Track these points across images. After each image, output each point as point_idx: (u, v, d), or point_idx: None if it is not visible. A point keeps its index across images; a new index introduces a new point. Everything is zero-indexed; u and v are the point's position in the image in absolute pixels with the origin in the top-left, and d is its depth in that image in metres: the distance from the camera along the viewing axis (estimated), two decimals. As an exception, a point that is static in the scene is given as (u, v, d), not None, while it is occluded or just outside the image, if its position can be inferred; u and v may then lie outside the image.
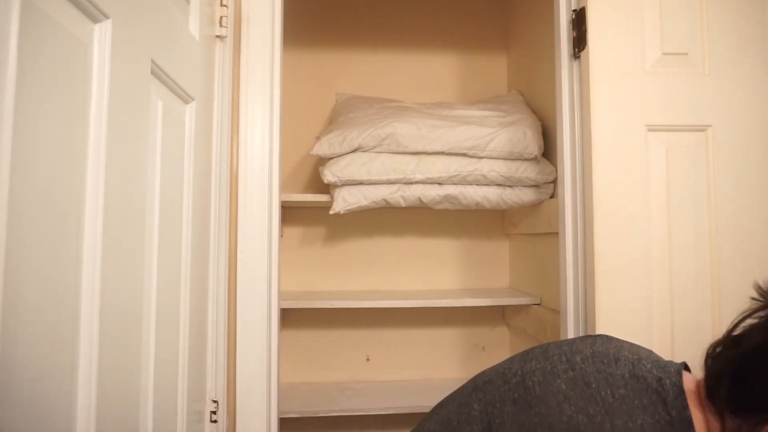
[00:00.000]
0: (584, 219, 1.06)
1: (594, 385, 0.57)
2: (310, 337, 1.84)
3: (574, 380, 0.58)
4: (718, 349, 0.62)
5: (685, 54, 1.05)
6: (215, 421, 1.04)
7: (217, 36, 1.10)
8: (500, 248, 1.93)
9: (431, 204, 1.54)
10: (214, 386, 1.06)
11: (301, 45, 1.87)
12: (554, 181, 1.51)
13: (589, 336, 0.71)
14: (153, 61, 0.73)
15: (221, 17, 1.10)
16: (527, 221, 1.67)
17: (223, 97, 1.10)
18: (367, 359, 1.85)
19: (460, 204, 1.54)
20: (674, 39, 1.05)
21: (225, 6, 1.11)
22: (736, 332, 0.62)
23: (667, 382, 0.58)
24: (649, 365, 0.61)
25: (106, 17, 0.58)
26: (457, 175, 1.48)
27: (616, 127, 1.03)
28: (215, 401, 1.05)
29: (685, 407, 0.55)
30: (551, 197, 1.52)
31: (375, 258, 1.87)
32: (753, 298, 0.62)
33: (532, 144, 1.48)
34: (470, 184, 1.51)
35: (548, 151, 1.54)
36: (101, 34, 0.58)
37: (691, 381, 0.61)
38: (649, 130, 1.03)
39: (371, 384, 1.80)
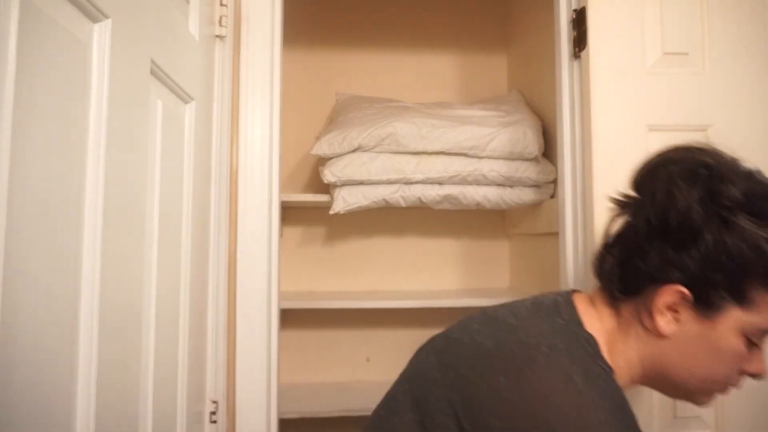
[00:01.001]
0: (584, 219, 1.06)
1: (501, 318, 0.68)
2: (310, 337, 1.83)
3: (486, 320, 0.69)
4: (601, 254, 0.73)
5: (686, 54, 1.05)
6: (215, 422, 1.04)
7: (217, 36, 1.09)
8: (500, 248, 1.93)
9: (431, 204, 1.54)
10: (214, 386, 1.06)
11: (301, 45, 1.87)
12: (554, 181, 1.51)
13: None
14: (153, 61, 0.73)
15: (221, 17, 1.10)
16: (527, 221, 1.67)
17: (223, 97, 1.10)
18: (367, 359, 1.85)
19: (460, 204, 1.54)
20: (675, 39, 1.05)
21: (225, 6, 1.11)
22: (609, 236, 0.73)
23: (560, 299, 0.69)
24: (551, 294, 0.72)
25: (106, 17, 0.58)
26: (457, 175, 1.48)
27: (616, 127, 1.02)
28: (215, 401, 1.05)
29: (575, 313, 0.66)
30: (551, 197, 1.52)
31: (375, 258, 1.87)
32: (612, 199, 0.75)
33: (532, 144, 1.47)
34: (470, 184, 1.51)
35: (548, 151, 1.54)
36: (101, 34, 0.58)
37: (582, 297, 0.72)
38: (650, 130, 1.03)
39: (371, 384, 1.79)
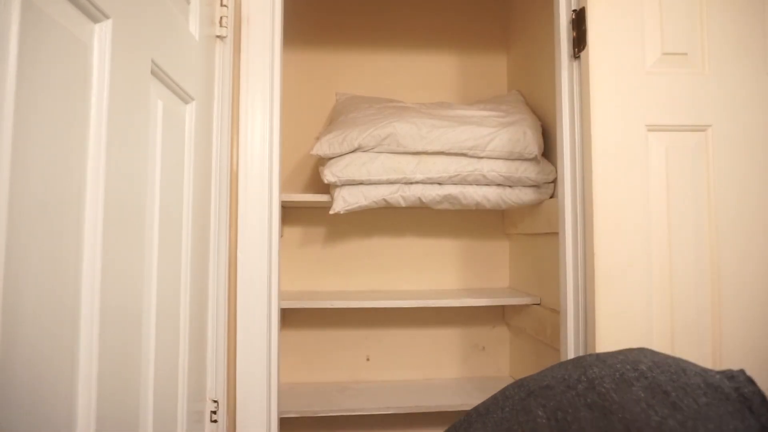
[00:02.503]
0: (584, 219, 1.06)
1: (673, 394, 0.54)
2: (310, 337, 1.84)
3: (651, 388, 0.55)
4: None
5: (685, 54, 1.05)
6: (215, 421, 1.04)
7: (217, 36, 1.10)
8: (500, 248, 1.93)
9: (431, 204, 1.54)
10: (214, 386, 1.06)
11: (301, 45, 1.87)
12: (554, 181, 1.51)
13: (626, 349, 0.67)
14: (153, 61, 0.73)
15: (221, 17, 1.10)
16: (527, 221, 1.67)
17: (223, 97, 1.10)
18: (367, 359, 1.85)
19: (460, 204, 1.54)
20: (674, 39, 1.05)
21: (225, 6, 1.11)
22: None
23: (746, 390, 0.55)
24: (717, 375, 0.58)
25: (106, 17, 0.58)
26: (457, 175, 1.48)
27: (616, 127, 1.03)
28: (215, 401, 1.05)
29: None
30: (551, 197, 1.52)
31: (375, 258, 1.87)
32: None
33: (532, 144, 1.48)
34: (470, 184, 1.51)
35: (548, 151, 1.54)
36: (101, 34, 0.58)
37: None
38: (649, 130, 1.03)
39: (371, 384, 1.79)
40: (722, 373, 0.58)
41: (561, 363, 0.64)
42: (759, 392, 0.55)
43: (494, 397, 0.65)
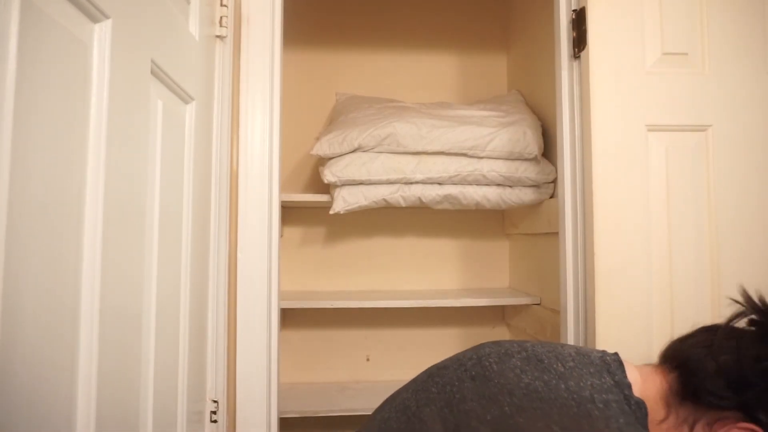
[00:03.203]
0: (584, 219, 1.06)
1: (546, 361, 0.65)
2: (310, 337, 1.84)
3: (528, 358, 0.65)
4: (700, 343, 0.69)
5: (685, 54, 1.05)
6: (215, 421, 1.04)
7: (217, 36, 1.10)
8: (500, 248, 1.93)
9: (431, 204, 1.54)
10: (214, 386, 1.06)
11: (301, 45, 1.87)
12: (554, 181, 1.51)
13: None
14: (153, 61, 0.73)
15: (221, 17, 1.10)
16: (527, 221, 1.67)
17: (223, 97, 1.10)
18: (367, 359, 1.85)
19: (460, 204, 1.54)
20: (674, 39, 1.05)
21: (225, 6, 1.11)
22: (731, 327, 0.68)
23: (608, 357, 0.67)
24: (595, 350, 0.70)
25: (106, 17, 0.58)
26: (457, 175, 1.48)
27: (616, 127, 1.03)
28: (215, 401, 1.05)
29: (625, 375, 0.64)
30: (551, 197, 1.52)
31: (375, 258, 1.87)
32: (735, 301, 0.69)
33: (532, 144, 1.48)
34: (470, 184, 1.51)
35: (548, 151, 1.54)
36: (101, 34, 0.58)
37: (630, 364, 0.69)
38: (650, 130, 1.03)
39: (371, 384, 1.79)
40: (599, 350, 0.71)
41: (464, 350, 0.73)
42: (618, 359, 0.67)
43: (404, 385, 0.72)
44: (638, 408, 0.60)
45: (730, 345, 0.65)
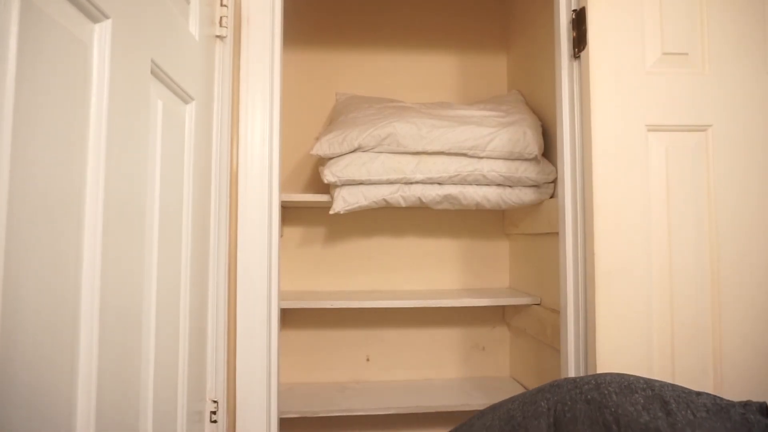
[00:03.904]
0: (584, 219, 1.06)
1: (673, 404, 0.59)
2: (310, 337, 1.84)
3: (653, 398, 0.60)
4: None
5: (685, 54, 1.05)
6: (215, 421, 1.04)
7: (217, 36, 1.09)
8: (500, 248, 1.93)
9: (431, 204, 1.54)
10: (214, 386, 1.06)
11: (301, 45, 1.87)
12: (554, 181, 1.51)
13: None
14: (153, 61, 0.73)
15: (221, 17, 1.10)
16: (527, 221, 1.67)
17: (223, 97, 1.10)
18: (367, 359, 1.85)
19: (460, 204, 1.54)
20: (674, 39, 1.05)
21: (225, 6, 1.11)
22: None
23: (752, 418, 0.58)
24: (733, 402, 0.61)
25: (106, 17, 0.58)
26: (457, 175, 1.48)
27: (616, 127, 1.03)
28: (215, 401, 1.05)
29: None
30: (551, 197, 1.52)
31: (375, 258, 1.87)
32: None
33: (532, 144, 1.48)
34: (470, 184, 1.51)
35: (548, 151, 1.54)
36: (101, 34, 0.58)
37: None
38: (649, 130, 1.03)
39: (371, 384, 1.79)
40: (743, 402, 0.62)
41: (582, 375, 0.69)
42: (763, 421, 0.57)
43: (511, 397, 0.70)
44: None
45: None
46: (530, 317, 1.63)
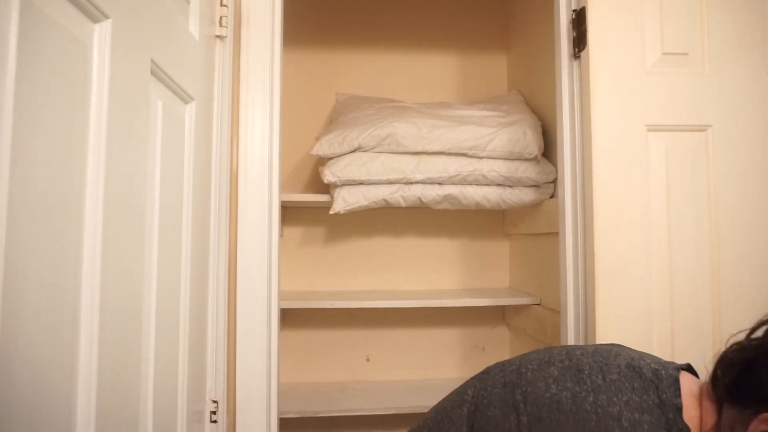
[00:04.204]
0: (584, 219, 1.06)
1: (586, 372, 0.61)
2: (310, 337, 1.84)
3: (568, 368, 0.62)
4: (734, 346, 0.63)
5: (686, 54, 1.05)
6: (215, 421, 1.04)
7: (217, 36, 1.09)
8: (500, 248, 1.93)
9: (431, 204, 1.54)
10: (214, 386, 1.06)
11: (302, 45, 1.87)
12: (554, 181, 1.51)
13: (607, 343, 0.74)
14: (153, 61, 0.73)
15: (221, 17, 1.10)
16: (527, 221, 1.67)
17: (223, 97, 1.10)
18: (367, 359, 1.85)
19: (460, 204, 1.54)
20: (674, 39, 1.05)
21: (225, 6, 1.11)
22: (755, 335, 0.62)
23: (663, 372, 0.60)
24: (649, 361, 0.63)
25: (106, 17, 0.58)
26: (457, 175, 1.48)
27: (616, 127, 1.03)
28: (215, 401, 1.05)
29: (677, 395, 0.57)
30: (551, 197, 1.52)
31: (375, 258, 1.87)
32: None
33: (532, 144, 1.48)
34: (470, 184, 1.51)
35: (548, 151, 1.54)
36: (101, 34, 0.58)
37: (690, 379, 0.63)
38: (649, 130, 1.03)
39: (371, 384, 1.79)
40: (662, 361, 0.64)
41: (519, 355, 0.71)
42: (673, 376, 0.60)
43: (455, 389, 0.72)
44: None
45: None
46: (530, 317, 1.63)
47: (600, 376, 0.60)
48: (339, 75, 1.92)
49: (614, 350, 0.66)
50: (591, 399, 0.57)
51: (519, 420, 0.58)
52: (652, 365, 0.62)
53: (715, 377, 0.61)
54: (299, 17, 1.81)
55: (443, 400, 0.71)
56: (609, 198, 1.02)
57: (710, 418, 0.59)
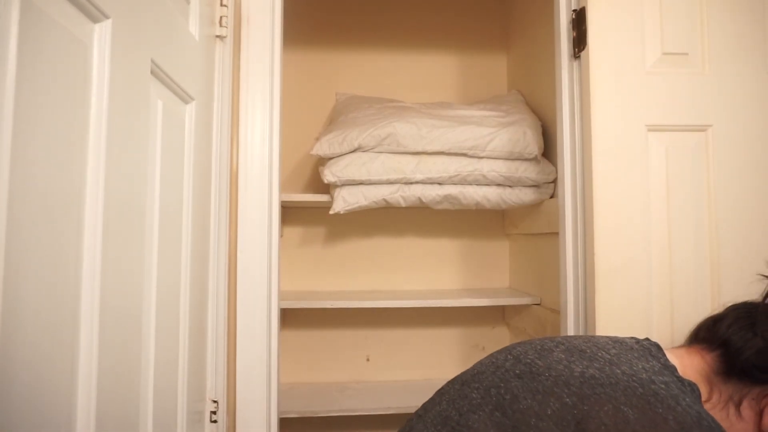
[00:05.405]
0: (584, 219, 1.06)
1: (588, 351, 0.63)
2: (310, 337, 1.84)
3: (569, 350, 0.63)
4: (744, 326, 0.71)
5: (686, 54, 1.05)
6: (215, 421, 1.04)
7: (217, 36, 1.09)
8: (500, 248, 1.93)
9: (431, 204, 1.54)
10: (214, 386, 1.06)
11: (302, 45, 1.87)
12: (554, 181, 1.51)
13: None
14: (153, 61, 0.73)
15: (221, 17, 1.10)
16: (527, 221, 1.67)
17: (223, 97, 1.10)
18: (367, 359, 1.85)
19: (460, 204, 1.54)
20: (674, 39, 1.05)
21: (225, 6, 1.11)
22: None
23: (644, 342, 0.67)
24: (626, 338, 0.69)
25: (106, 17, 0.58)
26: (457, 175, 1.48)
27: (616, 127, 1.03)
28: (215, 401, 1.05)
29: (666, 358, 0.64)
30: (551, 197, 1.52)
31: (375, 258, 1.87)
32: (765, 276, 0.74)
33: (532, 144, 1.48)
34: (470, 184, 1.51)
35: (548, 151, 1.54)
36: (101, 34, 0.58)
37: (667, 348, 0.70)
38: (650, 130, 1.03)
39: (371, 384, 1.79)
40: (629, 337, 0.71)
41: (490, 354, 0.72)
42: (655, 343, 0.67)
43: (431, 398, 0.69)
44: (692, 389, 0.60)
45: None
46: (530, 317, 1.63)
47: (603, 353, 0.62)
48: (339, 75, 1.92)
49: (583, 336, 0.69)
50: (618, 371, 0.58)
51: (562, 402, 0.56)
52: (627, 339, 0.67)
53: (726, 352, 0.68)
54: (299, 17, 1.81)
55: (434, 409, 0.66)
56: (609, 198, 1.02)
57: (703, 388, 0.66)
